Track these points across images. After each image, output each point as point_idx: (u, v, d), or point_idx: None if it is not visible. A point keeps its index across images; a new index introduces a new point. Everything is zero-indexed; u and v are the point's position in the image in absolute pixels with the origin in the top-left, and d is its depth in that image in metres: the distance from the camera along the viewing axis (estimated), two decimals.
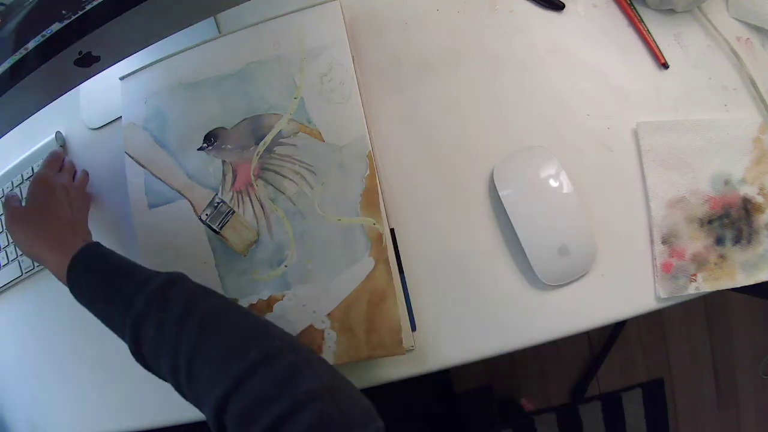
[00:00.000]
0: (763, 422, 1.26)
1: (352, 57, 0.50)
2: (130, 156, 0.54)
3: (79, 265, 0.43)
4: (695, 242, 0.46)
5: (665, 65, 0.49)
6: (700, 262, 0.46)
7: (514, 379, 1.27)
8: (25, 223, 0.48)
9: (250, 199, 0.51)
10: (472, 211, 0.49)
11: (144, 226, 0.53)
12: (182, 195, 0.52)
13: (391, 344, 0.46)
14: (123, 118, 0.55)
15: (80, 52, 0.39)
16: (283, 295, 0.49)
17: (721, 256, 0.46)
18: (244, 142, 0.51)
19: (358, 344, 0.47)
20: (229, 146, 0.52)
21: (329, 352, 0.47)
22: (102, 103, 0.59)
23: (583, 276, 0.47)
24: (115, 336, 0.50)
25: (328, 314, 0.48)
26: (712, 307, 1.27)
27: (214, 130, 0.52)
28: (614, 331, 1.26)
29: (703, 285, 0.46)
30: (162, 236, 0.53)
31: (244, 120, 0.51)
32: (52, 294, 0.58)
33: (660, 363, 1.28)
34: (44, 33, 0.37)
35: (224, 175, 0.52)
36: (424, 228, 0.50)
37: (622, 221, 0.47)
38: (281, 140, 0.50)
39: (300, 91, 0.50)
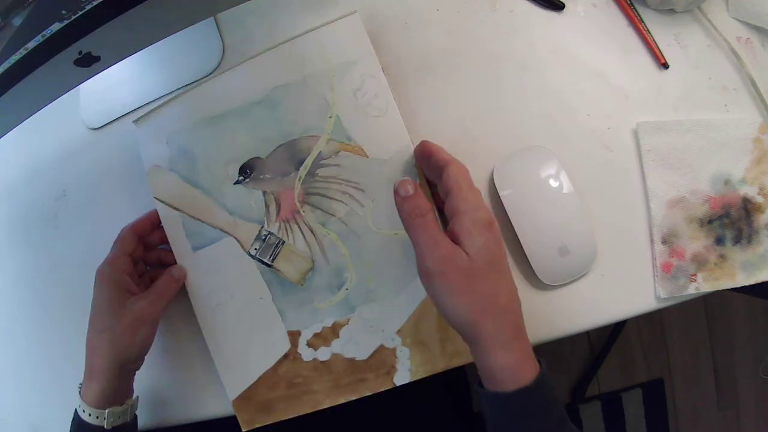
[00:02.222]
0: (763, 422, 1.26)
1: (382, 67, 0.48)
2: (160, 201, 0.51)
3: (538, 390, 0.36)
4: (695, 242, 0.46)
5: (665, 65, 0.49)
6: (700, 262, 0.46)
7: None
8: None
9: (299, 227, 0.49)
10: None
11: (192, 270, 0.50)
12: (226, 233, 0.50)
13: (466, 350, 0.43)
14: (144, 162, 0.52)
15: (80, 52, 0.39)
16: (348, 319, 0.47)
17: (721, 256, 0.46)
18: (283, 169, 0.49)
19: (433, 357, 0.46)
20: (267, 175, 0.49)
21: (404, 370, 0.46)
22: (102, 103, 0.59)
23: (583, 276, 0.47)
24: None
25: (398, 331, 0.46)
26: (712, 307, 1.27)
27: (249, 161, 0.49)
28: (614, 331, 1.26)
29: (703, 285, 0.46)
30: (212, 278, 0.50)
31: (279, 146, 0.49)
32: (52, 295, 0.58)
33: (660, 363, 1.28)
34: (44, 33, 0.37)
35: (267, 205, 0.49)
36: None
37: (622, 221, 0.47)
38: (322, 162, 0.48)
39: (334, 109, 0.48)
